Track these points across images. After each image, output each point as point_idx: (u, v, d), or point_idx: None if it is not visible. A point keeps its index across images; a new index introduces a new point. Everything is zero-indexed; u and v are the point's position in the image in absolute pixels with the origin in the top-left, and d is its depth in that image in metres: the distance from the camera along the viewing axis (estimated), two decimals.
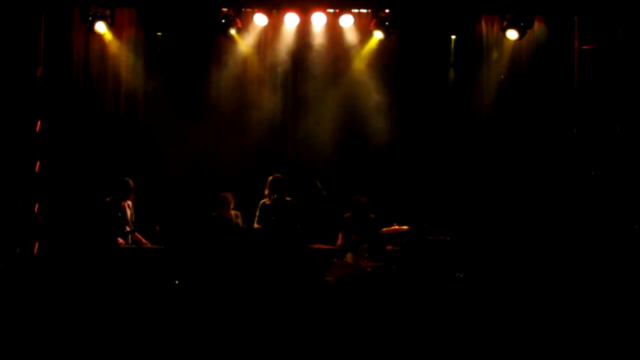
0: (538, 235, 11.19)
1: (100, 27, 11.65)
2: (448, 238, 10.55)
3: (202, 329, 7.79)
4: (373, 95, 12.32)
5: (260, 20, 11.99)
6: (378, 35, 12.05)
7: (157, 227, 10.54)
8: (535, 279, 10.22)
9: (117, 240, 10.16)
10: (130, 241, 10.42)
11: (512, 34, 11.84)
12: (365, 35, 12.22)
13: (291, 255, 10.03)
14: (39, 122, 11.46)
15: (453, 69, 12.44)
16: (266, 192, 10.66)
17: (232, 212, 10.96)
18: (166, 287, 9.74)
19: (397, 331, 7.93)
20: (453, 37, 12.34)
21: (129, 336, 7.61)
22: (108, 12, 11.63)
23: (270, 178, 10.66)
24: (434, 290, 9.51)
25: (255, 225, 10.74)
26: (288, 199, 10.68)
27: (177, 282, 9.91)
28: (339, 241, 11.01)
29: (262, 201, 10.78)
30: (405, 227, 10.79)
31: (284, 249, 10.09)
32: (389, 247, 10.75)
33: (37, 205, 11.41)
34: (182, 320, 8.21)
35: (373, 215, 11.17)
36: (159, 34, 12.17)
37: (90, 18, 11.53)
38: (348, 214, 11.19)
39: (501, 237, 10.72)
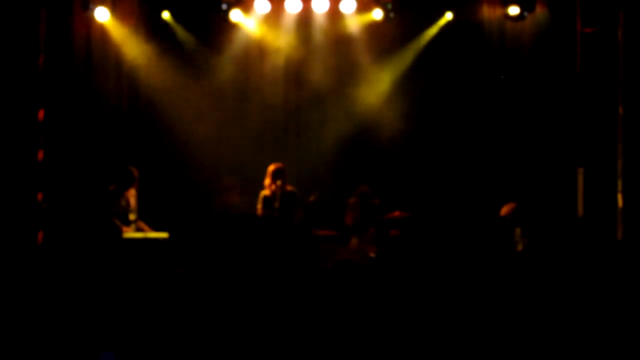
0: (542, 218, 11.24)
1: (102, 15, 11.67)
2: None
3: (204, 317, 7.81)
4: (376, 82, 12.34)
5: (261, 6, 11.96)
6: (377, 14, 12.02)
7: (161, 216, 10.57)
8: (542, 261, 10.27)
9: (122, 228, 10.20)
10: (134, 230, 10.46)
11: (513, 9, 11.87)
12: (368, 22, 12.24)
13: (294, 242, 10.07)
14: (41, 111, 11.43)
15: (452, 54, 12.45)
16: (267, 181, 10.60)
17: (237, 199, 10.98)
18: (170, 276, 9.79)
19: (396, 320, 7.96)
20: (448, 16, 12.26)
21: (132, 325, 7.64)
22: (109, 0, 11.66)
23: (272, 168, 10.60)
24: (437, 278, 9.55)
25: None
26: (289, 188, 10.66)
27: (179, 270, 9.96)
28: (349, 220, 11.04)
29: (262, 192, 10.69)
30: (408, 213, 10.85)
31: (287, 236, 10.13)
32: (394, 233, 10.80)
33: (40, 194, 11.41)
34: (185, 308, 8.25)
35: (378, 201, 11.18)
36: (166, 16, 12.12)
37: (91, 5, 11.54)
38: (352, 200, 11.21)
39: (507, 220, 10.78)
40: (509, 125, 11.99)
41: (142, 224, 10.51)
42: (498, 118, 12.06)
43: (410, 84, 12.37)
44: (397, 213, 10.85)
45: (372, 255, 10.45)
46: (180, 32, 12.20)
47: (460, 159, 12.10)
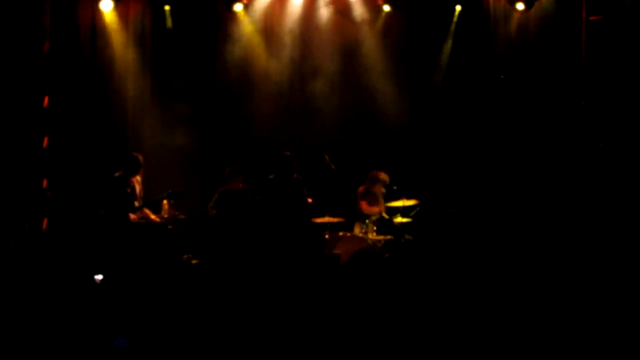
0: (545, 206, 11.24)
1: (106, 5, 11.69)
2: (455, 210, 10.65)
3: (209, 304, 7.81)
4: (381, 70, 12.33)
5: None
6: (386, 8, 12.06)
7: (165, 202, 10.54)
8: (541, 247, 10.27)
9: (129, 215, 10.18)
10: (139, 217, 10.44)
11: (520, 5, 11.89)
12: (371, 7, 12.22)
13: (298, 229, 10.08)
14: (46, 98, 11.41)
15: (454, 41, 12.43)
16: (273, 169, 10.61)
17: (240, 186, 10.95)
18: (175, 262, 9.79)
19: (408, 306, 7.95)
20: (458, 8, 12.30)
21: (138, 311, 7.64)
22: None
23: (278, 155, 10.59)
24: (445, 263, 9.55)
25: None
26: (295, 176, 10.63)
27: (185, 257, 9.97)
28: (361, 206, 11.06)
29: (268, 177, 10.70)
30: (414, 200, 10.87)
31: (291, 223, 10.13)
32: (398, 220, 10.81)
33: (45, 181, 11.40)
34: (190, 295, 8.24)
35: (384, 190, 11.18)
36: (167, 7, 12.12)
37: None
38: (362, 187, 11.20)
39: (508, 206, 10.78)
40: (514, 113, 11.98)
41: (147, 211, 10.48)
42: (503, 105, 12.04)
43: (418, 72, 12.39)
44: (402, 200, 10.86)
45: (378, 243, 10.49)
46: (183, 20, 12.19)
47: (466, 146, 12.10)
